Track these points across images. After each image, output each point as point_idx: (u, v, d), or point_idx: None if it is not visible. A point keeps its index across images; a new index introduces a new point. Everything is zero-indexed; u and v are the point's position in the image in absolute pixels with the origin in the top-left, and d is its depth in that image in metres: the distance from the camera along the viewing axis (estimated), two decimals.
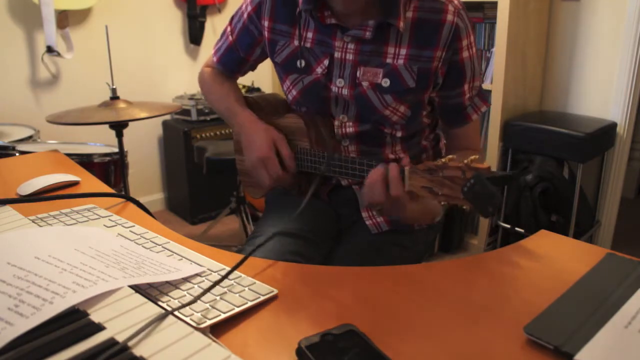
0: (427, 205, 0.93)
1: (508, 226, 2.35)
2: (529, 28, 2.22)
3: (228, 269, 0.69)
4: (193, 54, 3.01)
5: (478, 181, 0.73)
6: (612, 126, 2.19)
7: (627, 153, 2.29)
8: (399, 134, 1.07)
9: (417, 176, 0.82)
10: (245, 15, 1.11)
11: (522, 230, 2.29)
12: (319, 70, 1.03)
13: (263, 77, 3.23)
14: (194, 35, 2.94)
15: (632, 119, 2.22)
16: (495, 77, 2.20)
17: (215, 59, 1.22)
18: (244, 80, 2.91)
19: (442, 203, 0.80)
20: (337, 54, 1.01)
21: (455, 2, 0.97)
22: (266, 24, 1.07)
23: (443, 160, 0.78)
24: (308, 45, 1.03)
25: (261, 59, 1.19)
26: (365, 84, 1.00)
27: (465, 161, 0.75)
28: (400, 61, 0.98)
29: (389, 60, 0.98)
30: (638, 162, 3.15)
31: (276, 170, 1.03)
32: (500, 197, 0.73)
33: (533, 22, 2.24)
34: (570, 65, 2.32)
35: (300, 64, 1.05)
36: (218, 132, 2.83)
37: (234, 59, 1.19)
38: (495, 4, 2.12)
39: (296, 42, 1.04)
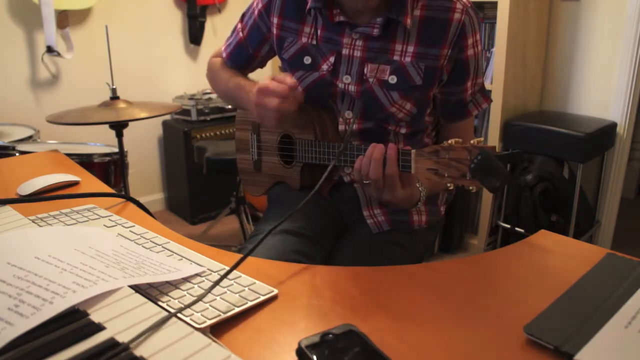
0: (413, 190, 0.93)
1: (508, 226, 2.35)
2: (529, 28, 2.22)
3: (228, 268, 0.68)
4: (193, 54, 3.01)
5: (485, 156, 0.73)
6: (612, 126, 2.19)
7: (627, 153, 2.29)
8: (402, 131, 1.07)
9: (423, 158, 0.82)
10: (255, 12, 1.13)
11: (522, 230, 2.29)
12: (324, 67, 1.04)
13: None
14: (194, 35, 2.93)
15: (632, 119, 2.22)
16: (495, 77, 2.20)
17: (225, 55, 1.24)
18: None
19: (449, 185, 0.80)
20: (345, 51, 1.02)
21: (464, 0, 0.98)
22: (275, 20, 1.09)
23: (449, 142, 0.79)
24: (315, 42, 1.05)
25: (269, 55, 1.20)
26: (372, 80, 1.01)
27: (472, 142, 0.76)
28: (408, 58, 0.99)
29: (396, 58, 0.99)
30: (638, 162, 3.15)
31: (280, 88, 0.95)
32: (507, 172, 0.73)
33: (533, 22, 2.24)
34: (570, 65, 2.31)
35: (307, 60, 1.06)
36: (218, 132, 2.83)
37: (244, 56, 1.20)
38: (495, 4, 2.12)
39: (304, 39, 1.06)
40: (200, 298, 0.61)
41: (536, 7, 2.22)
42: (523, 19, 2.17)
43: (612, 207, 2.34)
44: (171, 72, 2.94)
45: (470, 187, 0.78)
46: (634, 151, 3.02)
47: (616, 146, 2.24)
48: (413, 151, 0.83)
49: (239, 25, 1.19)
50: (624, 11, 2.09)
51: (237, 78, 1.16)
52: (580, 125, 2.13)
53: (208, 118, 2.82)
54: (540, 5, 2.25)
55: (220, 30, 3.05)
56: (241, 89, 1.12)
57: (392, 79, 1.00)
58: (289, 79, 0.96)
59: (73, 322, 0.53)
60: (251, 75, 1.26)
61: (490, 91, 2.23)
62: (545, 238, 0.82)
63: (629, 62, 2.11)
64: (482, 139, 0.77)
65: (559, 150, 2.12)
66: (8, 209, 0.89)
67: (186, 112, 2.79)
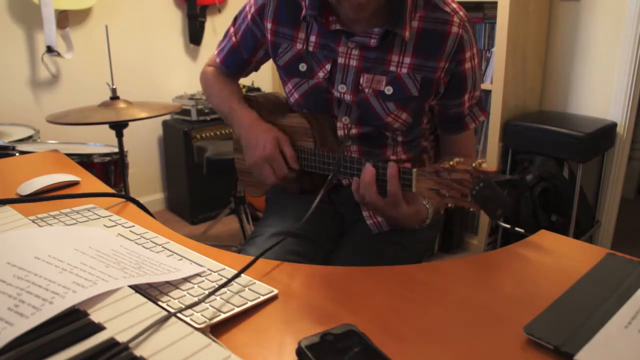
0: (419, 207, 0.94)
1: (508, 226, 2.35)
2: (529, 28, 2.22)
3: (228, 268, 0.69)
4: (193, 54, 3.01)
5: (487, 184, 0.73)
6: (612, 126, 2.19)
7: (627, 153, 2.29)
8: (399, 139, 1.07)
9: (424, 178, 0.82)
10: (248, 17, 1.11)
11: (522, 230, 2.29)
12: (320, 74, 1.03)
13: (263, 77, 3.23)
14: (194, 35, 2.94)
15: (632, 119, 2.22)
16: (495, 77, 2.20)
17: (218, 60, 1.21)
18: (244, 80, 2.90)
19: (450, 205, 0.80)
20: (340, 60, 1.01)
21: (461, 13, 0.98)
22: (269, 26, 1.07)
23: (451, 163, 0.79)
24: (311, 49, 1.03)
25: (264, 60, 1.19)
26: (368, 90, 1.00)
27: (474, 164, 0.76)
28: (404, 70, 0.98)
29: (392, 69, 0.98)
30: (638, 162, 3.15)
31: (282, 169, 1.03)
32: (509, 200, 0.74)
33: (533, 22, 2.24)
34: (570, 65, 2.32)
35: (302, 67, 1.05)
36: (218, 132, 2.83)
37: (238, 61, 1.18)
38: (495, 4, 2.12)
39: (299, 46, 1.04)
40: (202, 300, 0.61)
41: (536, 7, 2.22)
42: (523, 19, 2.17)
43: (612, 207, 2.34)
44: (171, 72, 2.94)
45: (471, 208, 0.79)
46: (634, 151, 3.01)
47: (616, 146, 2.24)
48: (414, 170, 0.83)
49: (232, 29, 1.17)
50: (624, 11, 2.09)
51: (230, 100, 1.15)
52: (580, 125, 2.13)
53: (208, 118, 2.82)
54: (540, 5, 2.25)
55: (220, 31, 3.05)
56: (234, 115, 1.13)
57: (388, 90, 0.99)
58: (292, 161, 1.03)
59: (73, 322, 0.53)
60: (246, 79, 1.25)
61: (490, 91, 2.24)
62: (545, 238, 0.82)
63: (629, 62, 2.11)
64: (484, 159, 0.77)
65: (559, 150, 2.12)
66: (8, 209, 0.89)
67: (186, 112, 2.79)
